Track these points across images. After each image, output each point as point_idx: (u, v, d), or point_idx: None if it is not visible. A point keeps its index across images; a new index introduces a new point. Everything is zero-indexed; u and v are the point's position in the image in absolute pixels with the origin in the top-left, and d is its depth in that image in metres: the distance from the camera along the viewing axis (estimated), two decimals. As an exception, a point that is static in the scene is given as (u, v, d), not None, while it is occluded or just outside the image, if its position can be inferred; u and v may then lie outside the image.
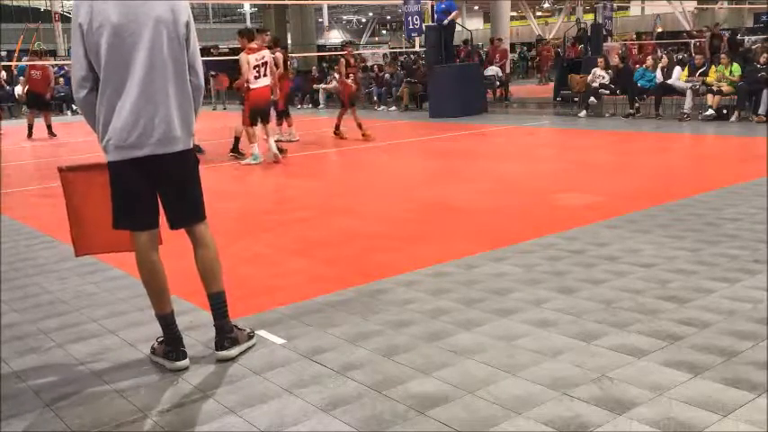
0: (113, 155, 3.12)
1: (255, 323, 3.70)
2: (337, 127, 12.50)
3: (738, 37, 23.74)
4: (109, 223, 3.24)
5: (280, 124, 12.65)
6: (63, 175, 3.45)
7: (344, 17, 63.99)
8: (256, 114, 9.70)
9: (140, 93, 3.06)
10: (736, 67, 12.75)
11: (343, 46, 12.52)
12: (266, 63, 9.60)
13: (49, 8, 35.14)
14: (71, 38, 3.08)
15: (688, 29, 28.53)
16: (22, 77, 18.97)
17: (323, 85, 21.07)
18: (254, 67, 9.45)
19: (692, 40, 23.39)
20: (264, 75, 9.61)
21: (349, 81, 12.34)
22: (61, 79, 22.20)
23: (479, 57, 21.83)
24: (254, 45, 9.56)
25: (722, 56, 13.21)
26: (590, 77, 14.76)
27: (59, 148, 13.56)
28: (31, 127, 15.41)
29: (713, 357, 3.08)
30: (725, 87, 12.54)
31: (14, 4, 39.67)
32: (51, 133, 15.46)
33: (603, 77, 14.55)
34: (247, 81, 9.51)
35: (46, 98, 15.98)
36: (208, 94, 19.05)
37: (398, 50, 29.14)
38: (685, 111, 12.85)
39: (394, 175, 8.72)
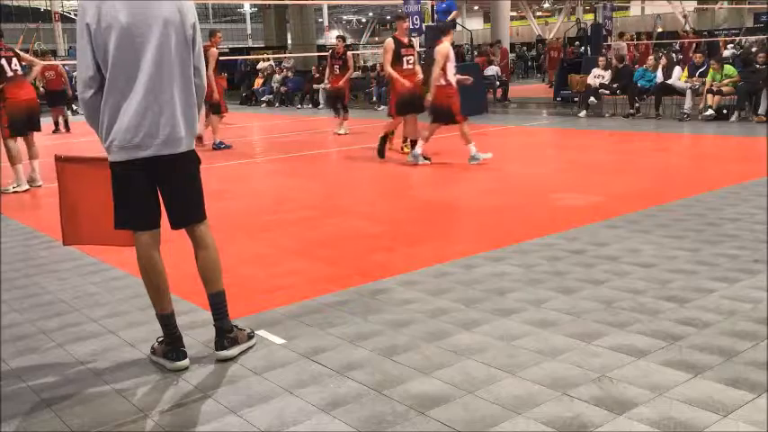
0: (117, 155, 3.12)
1: (255, 323, 3.70)
2: (404, 140, 10.12)
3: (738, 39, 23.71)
4: (101, 217, 3.26)
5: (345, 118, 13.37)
6: (60, 164, 3.47)
7: (344, 17, 63.99)
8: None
9: (146, 93, 3.06)
10: (729, 69, 12.76)
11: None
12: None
13: (49, 8, 35.11)
14: (77, 38, 3.07)
15: (687, 29, 28.52)
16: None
17: (321, 86, 21.07)
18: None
19: (680, 41, 23.28)
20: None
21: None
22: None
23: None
24: (445, 38, 9.17)
25: (712, 62, 13.20)
26: (590, 77, 14.77)
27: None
28: (57, 123, 16.22)
29: (713, 357, 3.08)
30: (725, 88, 12.54)
31: (14, 4, 39.64)
32: (66, 127, 16.25)
33: (603, 77, 14.56)
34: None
35: (66, 93, 16.85)
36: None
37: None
38: (685, 111, 12.85)
39: (393, 175, 8.71)
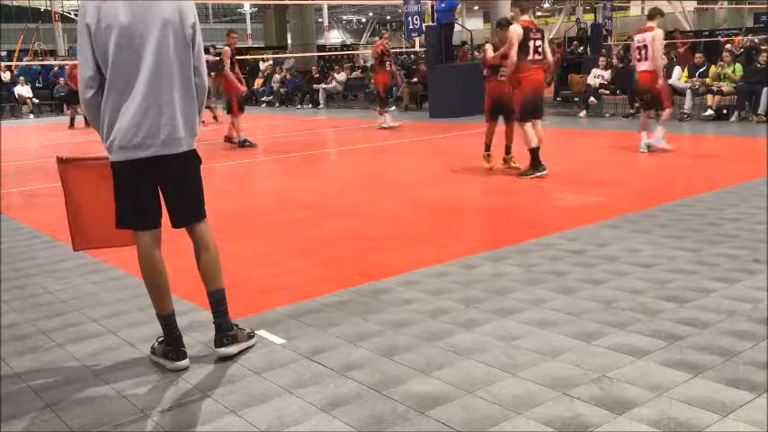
0: (117, 155, 3.12)
1: (255, 323, 3.70)
2: (487, 146, 8.57)
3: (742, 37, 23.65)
4: (107, 217, 3.25)
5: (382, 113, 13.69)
6: (62, 167, 3.44)
7: (344, 17, 64.00)
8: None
9: (146, 94, 3.06)
10: (738, 67, 12.75)
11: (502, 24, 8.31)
12: (646, 46, 9.00)
13: (49, 8, 35.11)
14: (78, 38, 3.08)
15: (688, 29, 28.50)
16: (62, 78, 21.48)
17: (323, 85, 21.09)
18: (636, 49, 9.11)
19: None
20: (645, 58, 9.06)
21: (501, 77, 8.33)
22: (61, 79, 22.21)
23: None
24: (652, 24, 9.18)
25: (725, 54, 13.20)
26: (590, 77, 14.77)
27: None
28: (72, 120, 17.24)
29: (713, 357, 3.08)
30: (725, 87, 12.54)
31: (14, 4, 39.64)
32: (87, 124, 16.85)
33: (603, 77, 14.56)
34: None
35: None
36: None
37: (398, 50, 29.11)
38: (685, 111, 12.85)
39: (394, 175, 8.71)
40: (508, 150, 8.49)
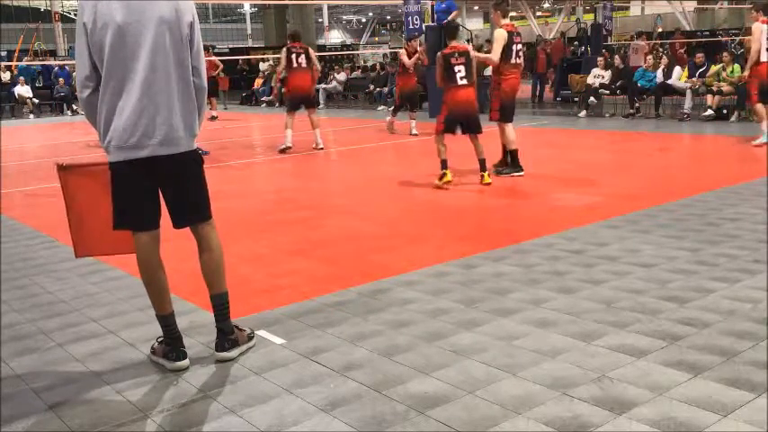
0: (114, 155, 3.12)
1: (255, 323, 3.70)
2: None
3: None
4: (110, 224, 3.23)
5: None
6: (62, 174, 3.41)
7: (344, 17, 63.97)
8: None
9: (142, 93, 3.05)
10: (737, 68, 12.75)
11: None
12: None
13: (49, 8, 35.13)
14: (75, 37, 3.08)
15: (688, 29, 28.49)
16: (62, 78, 21.60)
17: (323, 85, 21.08)
18: None
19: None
20: None
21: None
22: (61, 79, 22.22)
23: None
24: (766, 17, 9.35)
25: (725, 54, 13.21)
26: (590, 77, 14.77)
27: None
28: None
29: (713, 357, 3.08)
30: (725, 87, 12.54)
31: (14, 4, 39.65)
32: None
33: (603, 77, 14.56)
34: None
35: None
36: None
37: (398, 50, 29.09)
38: (685, 111, 12.85)
39: (394, 175, 8.71)
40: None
